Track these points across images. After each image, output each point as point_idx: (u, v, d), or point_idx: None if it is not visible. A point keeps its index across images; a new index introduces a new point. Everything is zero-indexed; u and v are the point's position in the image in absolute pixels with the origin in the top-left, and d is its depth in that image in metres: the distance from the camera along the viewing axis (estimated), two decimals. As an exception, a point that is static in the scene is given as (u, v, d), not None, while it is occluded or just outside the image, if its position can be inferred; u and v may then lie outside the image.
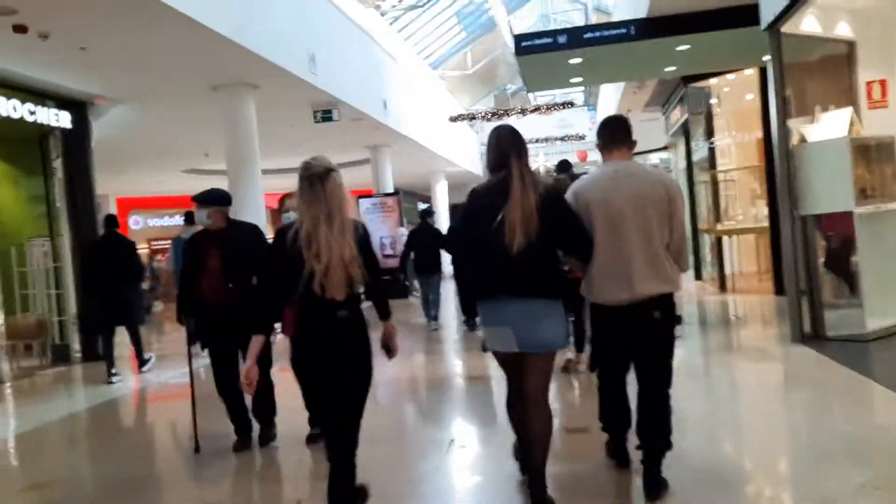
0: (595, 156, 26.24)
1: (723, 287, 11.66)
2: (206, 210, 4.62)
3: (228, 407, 4.72)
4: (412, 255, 10.42)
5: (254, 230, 4.81)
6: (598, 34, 8.07)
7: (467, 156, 24.12)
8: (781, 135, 6.69)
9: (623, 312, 3.34)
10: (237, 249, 4.50)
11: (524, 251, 3.07)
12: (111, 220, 8.35)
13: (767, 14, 6.51)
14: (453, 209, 28.04)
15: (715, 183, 11.96)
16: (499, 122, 4.24)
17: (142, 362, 8.31)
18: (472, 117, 16.00)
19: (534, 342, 3.16)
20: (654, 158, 24.05)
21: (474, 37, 22.76)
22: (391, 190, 16.26)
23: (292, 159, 16.32)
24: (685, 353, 6.80)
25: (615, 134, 3.49)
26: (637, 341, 3.38)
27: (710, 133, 12.00)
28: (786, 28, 6.59)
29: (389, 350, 3.25)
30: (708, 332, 8.44)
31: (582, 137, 22.81)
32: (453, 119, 16.10)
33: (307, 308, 2.97)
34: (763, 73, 10.30)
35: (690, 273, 14.61)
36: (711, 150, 11.97)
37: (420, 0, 16.06)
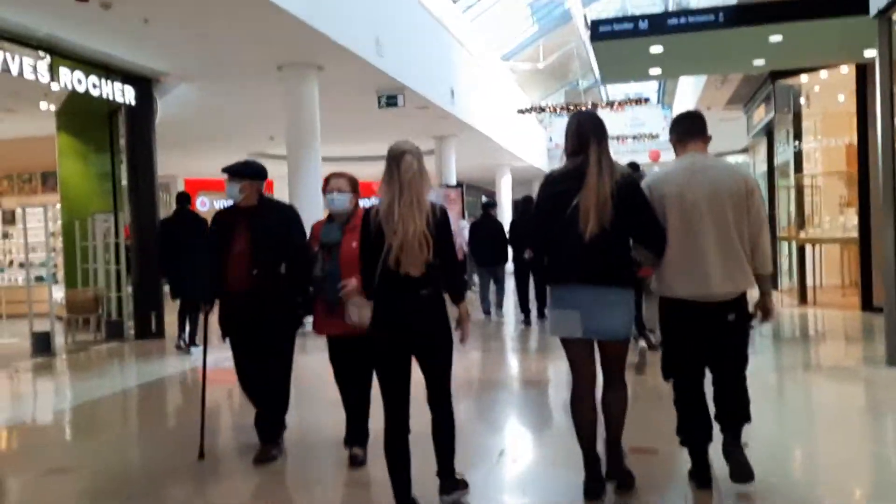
0: (667, 156, 25.31)
1: (804, 300, 10.86)
2: (237, 184, 4.12)
3: (255, 406, 4.27)
4: (469, 247, 10.37)
5: (289, 211, 4.29)
6: (682, 21, 7.47)
7: (534, 151, 23.59)
8: (887, 134, 6.02)
9: (696, 309, 3.24)
10: (268, 231, 4.05)
11: (597, 238, 3.06)
12: (184, 198, 8.37)
13: (879, 1, 5.84)
14: (516, 204, 27.56)
15: (800, 188, 11.16)
16: (571, 114, 4.00)
17: (195, 343, 8.20)
18: (540, 110, 15.50)
19: (602, 329, 3.16)
20: (731, 161, 23.04)
21: (547, 29, 22.14)
22: (454, 182, 15.88)
23: (357, 146, 16.25)
24: (764, 372, 6.23)
25: (691, 127, 3.42)
26: (711, 340, 3.30)
27: (797, 134, 11.19)
28: (898, 16, 5.92)
29: (462, 333, 3.27)
30: (788, 349, 7.80)
31: (655, 136, 21.94)
32: (521, 111, 15.60)
33: (386, 284, 3.08)
34: (861, 70, 9.52)
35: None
36: (798, 153, 11.17)
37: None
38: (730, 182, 3.23)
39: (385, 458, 3.17)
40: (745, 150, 20.95)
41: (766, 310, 3.40)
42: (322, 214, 9.53)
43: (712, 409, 3.38)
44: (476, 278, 16.39)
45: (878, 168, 6.06)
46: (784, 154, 13.00)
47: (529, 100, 26.58)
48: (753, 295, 3.38)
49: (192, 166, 20.25)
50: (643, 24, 7.64)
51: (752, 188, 3.27)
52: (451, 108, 13.32)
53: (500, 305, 10.52)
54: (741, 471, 3.23)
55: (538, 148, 24.55)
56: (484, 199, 13.34)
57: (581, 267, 3.13)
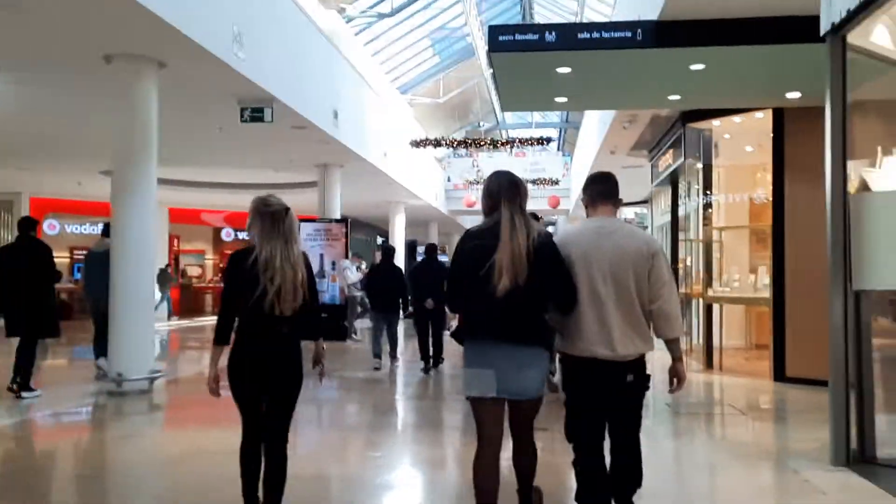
0: (566, 204, 24.74)
1: (709, 364, 9.83)
2: None
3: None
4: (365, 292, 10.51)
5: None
6: (595, 35, 6.29)
7: (432, 189, 22.30)
8: (837, 179, 4.92)
9: (597, 368, 3.26)
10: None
11: (511, 296, 3.11)
12: (28, 224, 7.71)
13: (833, 14, 4.78)
14: (410, 246, 26.19)
15: (708, 242, 10.23)
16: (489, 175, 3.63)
17: (25, 386, 7.21)
18: (437, 143, 14.18)
19: (515, 389, 3.20)
20: (629, 213, 22.55)
21: (448, 63, 21.12)
22: (337, 215, 14.25)
23: (224, 171, 14.30)
24: (675, 468, 4.94)
25: (603, 190, 3.48)
26: (609, 399, 3.32)
27: (706, 184, 10.31)
28: (853, 37, 4.88)
29: (320, 369, 3.68)
30: (704, 431, 6.60)
31: (555, 182, 21.20)
32: (416, 143, 14.25)
33: (254, 323, 3.38)
34: (779, 115, 8.71)
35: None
36: (707, 204, 10.28)
37: (392, 10, 14.30)
38: (633, 246, 3.31)
39: (239, 464, 3.44)
40: (644, 202, 20.53)
41: (679, 376, 3.41)
42: (151, 250, 7.94)
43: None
44: (358, 325, 14.78)
45: (828, 220, 4.91)
46: (687, 206, 12.20)
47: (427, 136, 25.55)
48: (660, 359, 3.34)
49: (38, 184, 17.68)
50: (550, 37, 6.41)
51: (655, 252, 3.32)
52: (335, 133, 11.77)
53: (394, 355, 10.29)
54: None
55: (436, 187, 23.29)
56: (380, 240, 12.37)
57: (495, 324, 3.18)
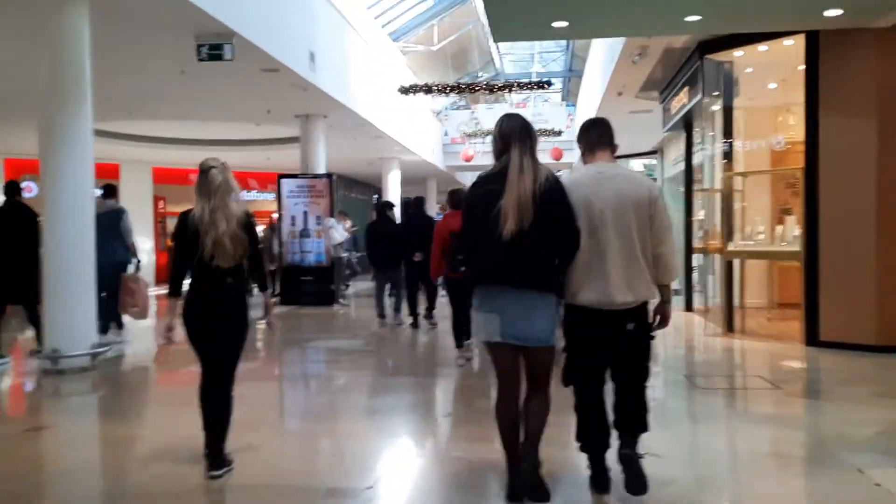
0: (570, 156, 23.51)
1: (730, 327, 8.82)
2: None
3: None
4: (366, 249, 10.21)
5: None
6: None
7: (428, 144, 21.11)
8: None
9: (598, 316, 3.23)
10: None
11: (518, 240, 3.05)
12: (13, 188, 7.63)
13: None
14: (406, 204, 25.06)
15: (728, 190, 9.11)
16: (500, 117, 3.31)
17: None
18: (427, 90, 12.98)
19: (522, 334, 3.14)
20: (637, 165, 21.32)
21: (443, 8, 19.72)
22: (322, 170, 13.16)
23: (209, 126, 13.11)
24: (698, 468, 3.95)
25: (599, 137, 3.43)
26: (611, 348, 3.31)
27: (727, 125, 9.16)
28: None
29: (268, 321, 4.02)
30: (730, 412, 5.53)
31: (558, 133, 19.97)
32: (405, 90, 13.05)
33: (199, 276, 3.70)
34: (812, 42, 7.54)
35: (678, 301, 11.85)
36: (727, 150, 9.14)
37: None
38: (635, 191, 3.27)
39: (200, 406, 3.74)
40: (653, 153, 19.31)
41: (664, 316, 3.43)
42: (91, 210, 6.85)
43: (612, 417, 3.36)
44: (344, 290, 13.83)
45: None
46: (703, 152, 11.07)
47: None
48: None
49: (14, 144, 16.56)
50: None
51: (656, 197, 3.29)
52: (312, 78, 10.62)
53: (398, 309, 10.07)
54: (636, 482, 3.22)
55: (432, 142, 22.09)
56: (375, 198, 11.82)
57: (501, 269, 3.12)
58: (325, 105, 12.34)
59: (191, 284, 3.74)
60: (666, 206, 3.35)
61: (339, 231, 12.55)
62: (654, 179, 19.80)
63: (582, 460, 3.48)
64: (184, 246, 3.70)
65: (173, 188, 21.12)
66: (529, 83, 12.49)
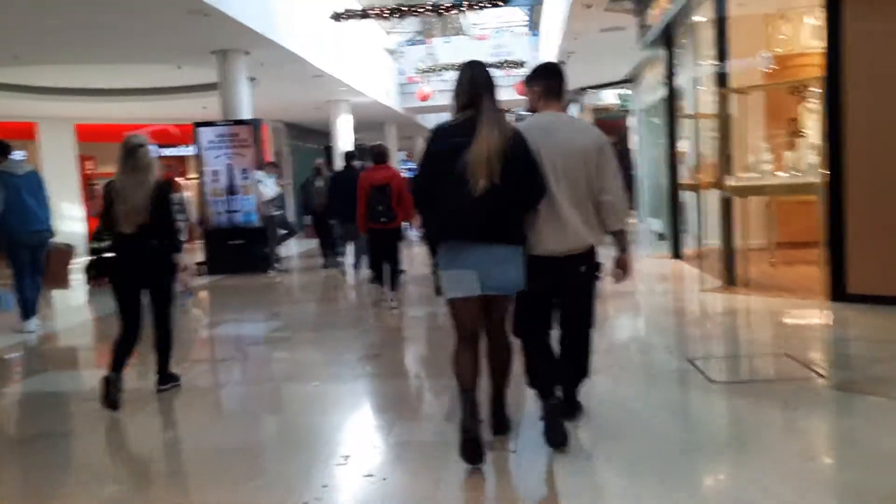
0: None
1: (730, 280, 7.29)
2: None
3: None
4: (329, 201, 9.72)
5: None
6: None
7: (380, 85, 19.10)
8: None
9: (551, 263, 3.29)
10: None
11: (487, 195, 3.05)
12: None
13: None
14: (360, 151, 23.14)
15: (724, 113, 7.44)
16: (462, 65, 3.29)
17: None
18: (363, 15, 11.00)
19: (497, 285, 3.17)
20: (610, 95, 19.54)
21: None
22: (245, 116, 11.27)
23: (121, 73, 10.42)
24: None
25: (553, 86, 3.45)
26: (562, 294, 3.40)
27: (721, 34, 7.45)
28: None
29: (183, 280, 4.67)
30: (767, 432, 3.81)
31: (521, 65, 18.07)
32: (337, 17, 11.09)
33: (118, 240, 4.36)
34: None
35: (664, 248, 10.31)
36: (721, 63, 7.43)
37: None
38: (582, 140, 3.32)
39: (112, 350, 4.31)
40: (627, 81, 17.53)
41: (625, 266, 3.48)
42: None
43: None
44: (280, 254, 12.08)
45: None
46: (689, 71, 9.40)
47: (377, 24, 22.06)
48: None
49: None
50: None
51: (602, 143, 3.34)
52: (218, 3, 8.68)
53: (358, 265, 9.40)
54: (556, 434, 3.24)
55: (386, 82, 20.06)
56: (324, 148, 10.45)
57: (473, 224, 3.09)
58: (244, 38, 10.40)
59: (113, 249, 4.50)
60: (613, 151, 3.40)
61: (270, 185, 10.76)
62: (627, 111, 18.13)
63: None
64: (104, 212, 4.39)
65: (103, 146, 18.97)
66: (482, 1, 10.61)
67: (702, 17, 8.18)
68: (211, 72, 11.94)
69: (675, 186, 9.64)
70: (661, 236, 10.12)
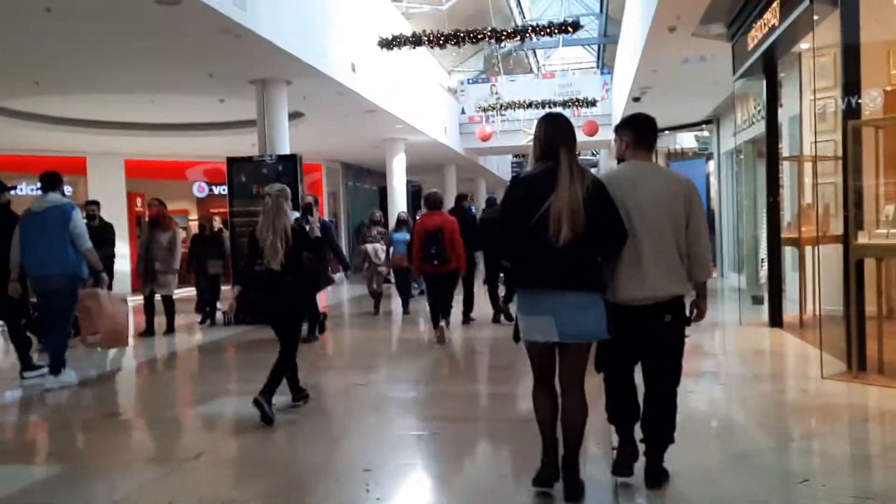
0: (607, 133, 20.21)
1: (861, 364, 5.65)
2: None
3: None
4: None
5: None
6: None
7: (438, 123, 18.05)
8: None
9: (634, 312, 3.33)
10: None
11: (569, 244, 3.12)
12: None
13: None
14: (416, 194, 22.12)
15: (854, 152, 5.86)
16: (541, 117, 3.40)
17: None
18: (416, 41, 9.84)
19: (575, 332, 3.21)
20: (688, 138, 17.98)
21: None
22: (287, 151, 10.24)
23: (160, 109, 9.27)
24: None
25: (640, 137, 3.48)
26: (646, 342, 3.41)
27: (850, 59, 5.90)
28: None
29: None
30: None
31: (592, 104, 16.77)
32: (385, 43, 10.02)
33: (260, 273, 5.04)
34: None
35: (762, 313, 8.62)
36: (852, 88, 5.86)
37: None
38: (670, 190, 3.37)
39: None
40: (707, 122, 15.98)
41: (700, 310, 3.52)
42: None
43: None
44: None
45: None
46: (795, 105, 7.93)
47: (437, 61, 21.19)
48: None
49: None
50: None
51: (692, 196, 3.38)
52: (243, 18, 7.71)
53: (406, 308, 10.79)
54: (654, 481, 3.42)
55: (445, 120, 18.99)
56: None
57: (552, 273, 3.18)
58: (283, 65, 9.45)
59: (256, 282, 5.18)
60: (702, 203, 3.41)
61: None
62: (710, 153, 16.52)
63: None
64: (250, 249, 5.18)
65: (149, 183, 18.40)
66: (549, 27, 9.41)
67: (820, 41, 6.73)
68: (249, 103, 11.07)
69: (775, 239, 8.07)
70: (755, 299, 8.52)
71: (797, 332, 7.70)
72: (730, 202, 14.77)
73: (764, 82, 8.07)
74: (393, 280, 12.12)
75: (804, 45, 8.64)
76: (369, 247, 11.05)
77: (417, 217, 9.63)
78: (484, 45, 21.88)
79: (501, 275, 8.71)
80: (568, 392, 3.31)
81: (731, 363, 6.88)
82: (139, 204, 18.66)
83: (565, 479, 3.31)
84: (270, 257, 4.84)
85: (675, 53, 9.68)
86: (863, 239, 5.57)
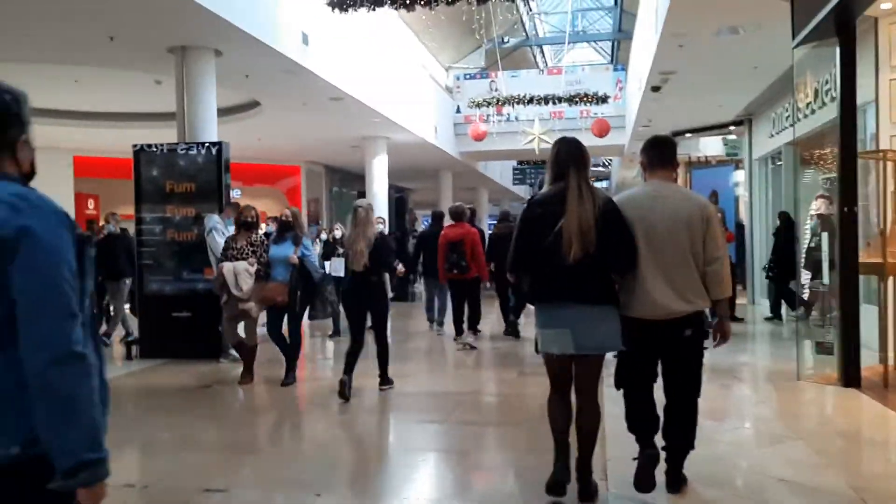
0: (619, 136, 17.98)
1: None
2: None
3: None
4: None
5: None
6: None
7: (428, 121, 15.86)
8: None
9: (653, 327, 3.40)
10: None
11: (581, 261, 3.25)
12: None
13: None
14: (399, 201, 19.88)
15: None
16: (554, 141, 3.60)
17: None
18: (375, 1, 7.64)
19: (592, 344, 3.33)
20: (714, 142, 15.72)
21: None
22: (214, 139, 8.10)
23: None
24: None
25: (661, 157, 3.59)
26: (667, 356, 3.48)
27: None
28: None
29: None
30: None
31: (603, 101, 14.60)
32: (336, 3, 7.78)
33: (351, 276, 5.96)
34: None
35: (831, 363, 6.28)
36: None
37: None
38: (688, 210, 3.42)
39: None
40: (736, 124, 13.74)
41: (723, 333, 3.53)
42: None
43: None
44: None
45: None
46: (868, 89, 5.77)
47: (430, 55, 19.10)
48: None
49: None
50: None
51: (710, 215, 3.43)
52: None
53: (441, 323, 9.91)
54: (675, 486, 3.53)
55: (437, 118, 16.75)
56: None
57: (566, 288, 3.30)
58: (208, 29, 7.37)
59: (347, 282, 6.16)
60: (720, 223, 3.50)
61: (221, 234, 7.41)
62: (739, 160, 14.30)
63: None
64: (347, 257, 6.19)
65: (103, 182, 16.17)
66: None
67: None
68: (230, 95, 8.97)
69: (850, 267, 5.79)
70: (820, 347, 6.26)
71: (880, 394, 5.47)
72: (763, 216, 12.55)
73: (837, 49, 5.85)
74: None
75: (885, 5, 6.51)
76: (227, 266, 6.60)
77: (417, 230, 8.68)
78: (484, 42, 19.78)
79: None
80: (583, 398, 3.47)
81: (796, 454, 4.55)
82: (91, 206, 16.64)
83: (579, 480, 3.45)
84: (356, 261, 5.77)
85: (708, 20, 7.51)
86: None
